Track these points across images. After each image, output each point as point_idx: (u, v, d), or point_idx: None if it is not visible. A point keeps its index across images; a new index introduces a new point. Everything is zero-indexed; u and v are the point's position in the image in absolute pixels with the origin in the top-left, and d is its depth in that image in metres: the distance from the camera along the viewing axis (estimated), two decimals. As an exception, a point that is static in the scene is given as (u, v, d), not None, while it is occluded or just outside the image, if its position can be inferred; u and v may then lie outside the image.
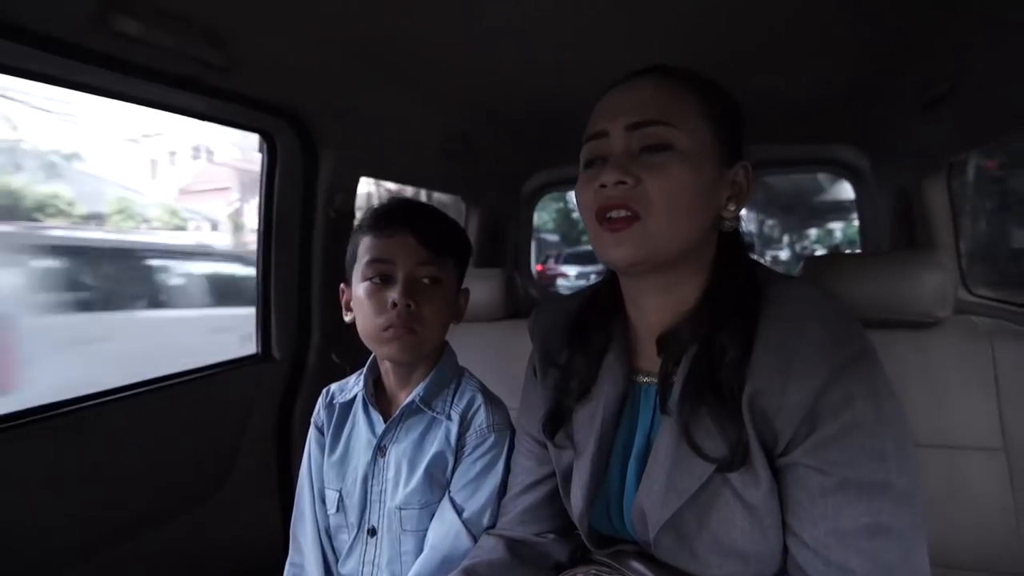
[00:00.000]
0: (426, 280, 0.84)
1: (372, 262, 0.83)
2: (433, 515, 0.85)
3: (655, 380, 0.67)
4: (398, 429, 0.88)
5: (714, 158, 0.64)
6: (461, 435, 0.86)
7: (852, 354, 0.56)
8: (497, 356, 1.19)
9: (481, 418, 0.87)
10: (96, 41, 0.85)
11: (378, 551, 0.86)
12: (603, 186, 0.62)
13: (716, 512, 0.60)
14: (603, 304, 0.75)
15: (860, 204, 2.19)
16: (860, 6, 1.00)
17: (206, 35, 0.95)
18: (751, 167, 0.67)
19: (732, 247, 0.68)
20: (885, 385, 0.58)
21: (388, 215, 0.86)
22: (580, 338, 0.74)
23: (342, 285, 0.91)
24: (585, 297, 0.79)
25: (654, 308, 0.69)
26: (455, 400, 0.88)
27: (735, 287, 0.64)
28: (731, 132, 0.66)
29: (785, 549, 0.60)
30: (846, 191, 2.24)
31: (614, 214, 0.62)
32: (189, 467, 1.19)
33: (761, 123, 1.67)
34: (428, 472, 0.85)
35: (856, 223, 2.31)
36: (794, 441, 0.57)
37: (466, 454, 0.86)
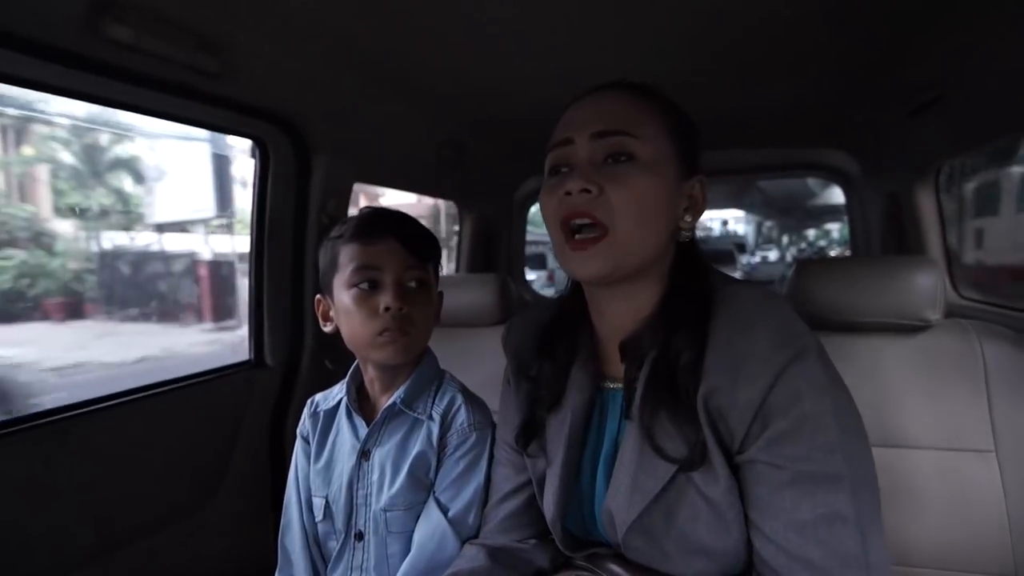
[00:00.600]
0: (412, 284, 0.86)
1: (359, 269, 0.85)
2: (418, 516, 0.85)
3: (621, 386, 0.70)
4: (381, 432, 0.89)
5: (673, 170, 0.66)
6: (442, 435, 0.87)
7: (796, 352, 0.58)
8: (491, 360, 1.18)
9: (462, 417, 0.88)
10: (88, 47, 0.85)
11: (365, 555, 0.87)
12: (568, 194, 0.64)
13: (682, 511, 0.62)
14: (569, 314, 0.77)
15: (851, 209, 2.21)
16: (847, 14, 1.01)
17: (198, 41, 0.95)
18: (706, 181, 0.70)
19: (688, 254, 0.71)
20: (832, 379, 0.60)
21: (372, 223, 0.88)
22: (549, 349, 0.76)
23: (317, 296, 0.92)
24: (553, 309, 0.81)
25: (616, 314, 0.71)
26: (436, 401, 0.90)
27: (690, 293, 0.66)
28: (689, 147, 0.69)
29: (749, 545, 0.61)
30: (839, 195, 2.26)
31: (578, 221, 0.64)
32: (181, 476, 1.18)
33: (751, 128, 1.69)
34: (411, 473, 0.85)
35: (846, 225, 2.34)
36: (748, 438, 0.59)
37: (448, 454, 0.87)
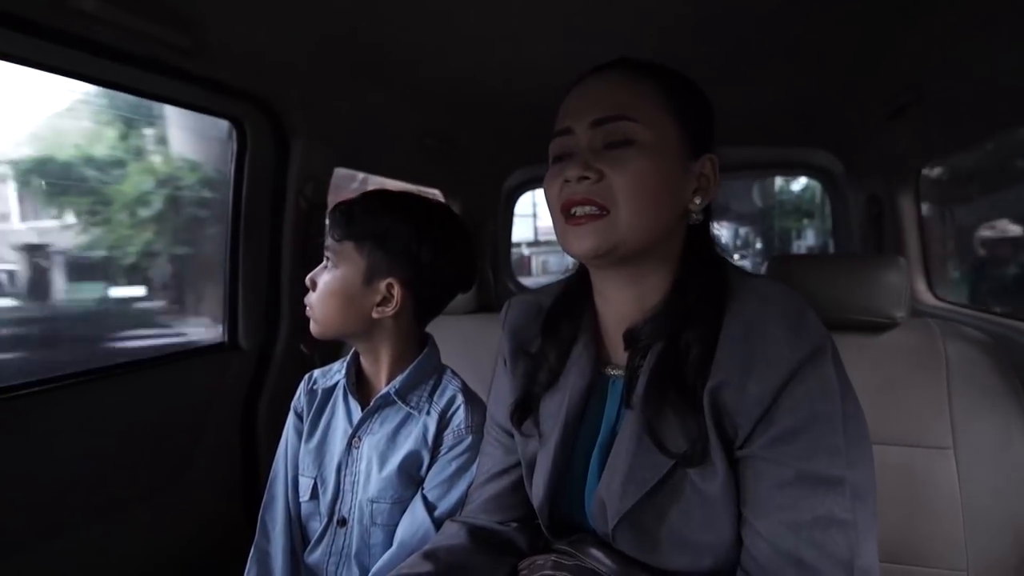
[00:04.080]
0: (325, 263, 0.87)
1: None
2: (404, 511, 0.84)
3: (623, 373, 0.68)
4: (373, 420, 0.87)
5: (678, 151, 0.64)
6: (439, 433, 0.86)
7: (811, 352, 0.58)
8: (466, 348, 1.19)
9: (460, 418, 0.86)
10: (53, 18, 0.81)
11: (347, 542, 0.86)
12: (568, 181, 0.63)
13: (675, 505, 0.61)
14: (573, 296, 0.75)
15: (834, 209, 2.22)
16: (828, 16, 1.01)
17: (170, 15, 0.91)
18: (718, 160, 0.67)
19: (700, 241, 0.69)
20: (843, 382, 0.60)
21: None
22: (552, 329, 0.75)
23: None
24: (556, 291, 0.79)
25: (621, 301, 0.69)
26: (435, 397, 0.88)
27: (702, 284, 0.65)
28: (697, 125, 0.66)
29: (739, 541, 0.61)
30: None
31: (578, 210, 0.62)
32: (150, 454, 1.15)
33: (736, 125, 1.69)
34: (402, 469, 0.84)
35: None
36: (753, 435, 0.58)
37: (442, 453, 0.85)
